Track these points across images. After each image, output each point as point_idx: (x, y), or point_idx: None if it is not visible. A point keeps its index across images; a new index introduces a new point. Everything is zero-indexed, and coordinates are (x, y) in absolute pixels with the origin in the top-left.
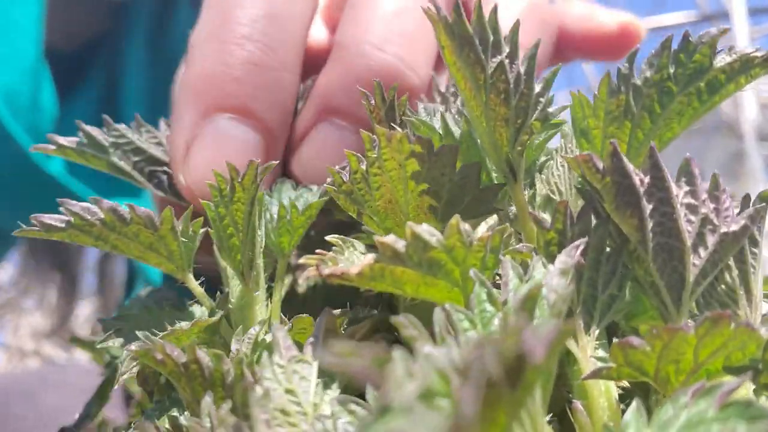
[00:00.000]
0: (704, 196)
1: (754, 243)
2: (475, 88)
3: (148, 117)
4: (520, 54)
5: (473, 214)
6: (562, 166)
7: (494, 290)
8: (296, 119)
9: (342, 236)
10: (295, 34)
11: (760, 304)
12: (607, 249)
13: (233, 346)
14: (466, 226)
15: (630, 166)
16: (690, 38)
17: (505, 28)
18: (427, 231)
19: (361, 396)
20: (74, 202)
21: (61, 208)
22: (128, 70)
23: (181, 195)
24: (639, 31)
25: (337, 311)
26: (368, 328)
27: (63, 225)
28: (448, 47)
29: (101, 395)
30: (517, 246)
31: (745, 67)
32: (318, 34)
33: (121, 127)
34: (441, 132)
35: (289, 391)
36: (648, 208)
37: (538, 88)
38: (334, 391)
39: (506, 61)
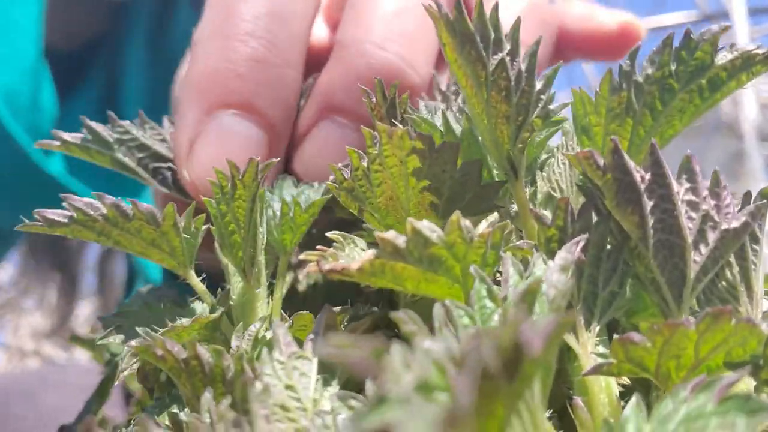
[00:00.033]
0: (705, 193)
1: (755, 240)
2: (476, 86)
3: (148, 117)
4: (521, 51)
5: (474, 211)
6: (563, 163)
7: (494, 287)
8: (298, 117)
9: (343, 233)
10: (297, 31)
11: (761, 301)
12: (608, 246)
13: (233, 343)
14: (466, 223)
15: (631, 163)
16: (691, 35)
17: (505, 27)
18: (427, 227)
19: (361, 392)
20: (77, 197)
21: (64, 204)
22: (128, 70)
23: (185, 191)
24: (639, 31)
25: (338, 308)
26: (368, 324)
27: (66, 220)
28: (449, 44)
29: (101, 393)
30: (518, 243)
31: (747, 65)
32: (319, 32)
33: (126, 123)
34: (442, 129)
35: (289, 387)
36: (649, 205)
37: (539, 85)
38: (334, 388)
39: (507, 59)
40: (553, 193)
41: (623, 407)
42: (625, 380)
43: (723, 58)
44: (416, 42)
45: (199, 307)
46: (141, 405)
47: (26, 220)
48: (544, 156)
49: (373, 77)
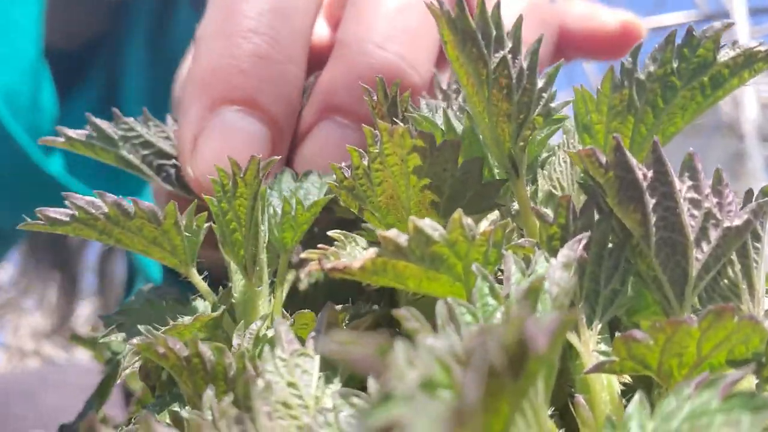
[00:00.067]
0: (707, 190)
1: (757, 238)
2: (478, 84)
3: None
4: (523, 49)
5: (475, 210)
6: (564, 161)
7: (496, 284)
8: (299, 116)
9: (344, 232)
10: (300, 27)
11: (763, 299)
12: (610, 244)
13: (235, 341)
14: (468, 221)
15: (633, 161)
16: (694, 33)
17: (506, 26)
18: (429, 225)
19: (364, 390)
20: (79, 195)
21: (66, 202)
22: (128, 70)
23: (188, 188)
24: (640, 30)
25: (339, 307)
26: (370, 322)
27: (67, 219)
28: (451, 42)
29: (102, 392)
30: (520, 241)
31: (749, 62)
32: (320, 31)
33: (130, 120)
34: (443, 128)
35: (291, 385)
36: (651, 202)
37: (540, 83)
38: (336, 385)
39: (509, 57)
40: (554, 191)
41: (625, 406)
42: (627, 379)
43: (725, 55)
44: (417, 41)
45: (201, 306)
46: (141, 404)
47: (27, 220)
48: (544, 154)
49: (373, 77)
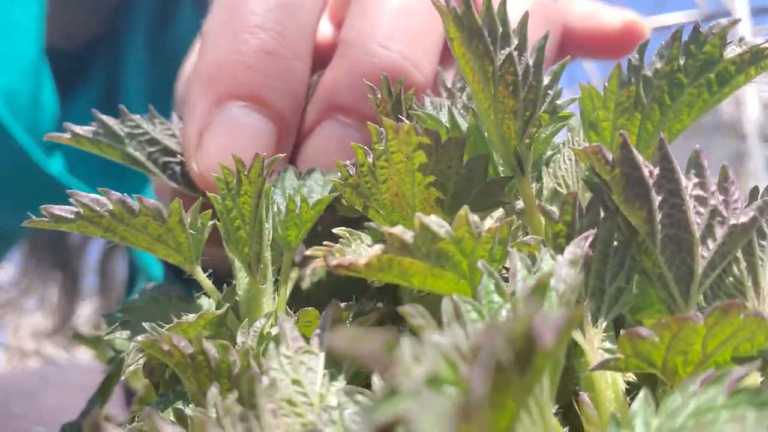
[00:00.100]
0: (713, 188)
1: (762, 235)
2: (484, 81)
3: None
4: (529, 46)
5: (480, 207)
6: (570, 159)
7: (502, 282)
8: (302, 114)
9: (349, 229)
10: (306, 24)
11: None
12: (615, 242)
13: (239, 339)
14: (474, 218)
15: (639, 158)
16: (700, 30)
17: (512, 23)
18: (435, 222)
19: (368, 387)
20: (83, 193)
21: (70, 200)
22: (129, 70)
23: (193, 186)
24: (643, 30)
25: (343, 304)
26: (375, 320)
27: (72, 216)
28: (457, 39)
29: (104, 391)
30: (525, 238)
31: (755, 59)
32: (324, 30)
33: (137, 117)
34: (448, 125)
35: (295, 382)
36: (657, 199)
37: (546, 80)
38: (341, 383)
39: (515, 53)
40: (559, 189)
41: (629, 404)
42: (631, 377)
43: (732, 52)
44: (420, 40)
45: (206, 303)
46: (144, 403)
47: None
48: (549, 152)
49: (377, 76)
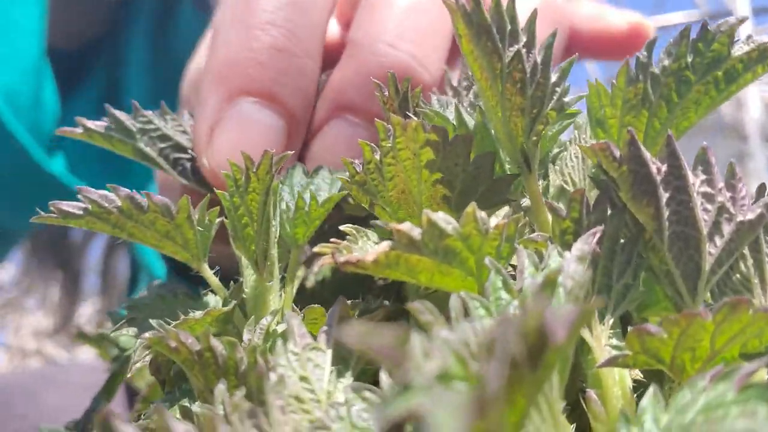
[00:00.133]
0: (721, 184)
1: None
2: (492, 78)
3: None
4: (537, 44)
5: (487, 205)
6: (576, 157)
7: (510, 279)
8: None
9: (356, 226)
10: (317, 22)
11: None
12: (622, 239)
13: (245, 336)
14: (482, 214)
15: (647, 155)
16: (708, 27)
17: (520, 22)
18: (443, 219)
19: (375, 384)
20: (92, 189)
21: (78, 196)
22: (130, 70)
23: (204, 182)
24: (649, 31)
25: (349, 302)
26: (381, 317)
27: (80, 212)
28: (466, 36)
29: (109, 389)
30: (532, 235)
31: (763, 57)
32: (331, 30)
33: (149, 113)
34: (455, 123)
35: (303, 379)
36: (665, 196)
37: (554, 77)
38: (348, 379)
39: (523, 50)
40: (565, 186)
41: (636, 402)
42: (637, 375)
43: (739, 49)
44: (428, 40)
45: (212, 300)
46: (147, 401)
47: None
48: (556, 150)
49: (385, 76)
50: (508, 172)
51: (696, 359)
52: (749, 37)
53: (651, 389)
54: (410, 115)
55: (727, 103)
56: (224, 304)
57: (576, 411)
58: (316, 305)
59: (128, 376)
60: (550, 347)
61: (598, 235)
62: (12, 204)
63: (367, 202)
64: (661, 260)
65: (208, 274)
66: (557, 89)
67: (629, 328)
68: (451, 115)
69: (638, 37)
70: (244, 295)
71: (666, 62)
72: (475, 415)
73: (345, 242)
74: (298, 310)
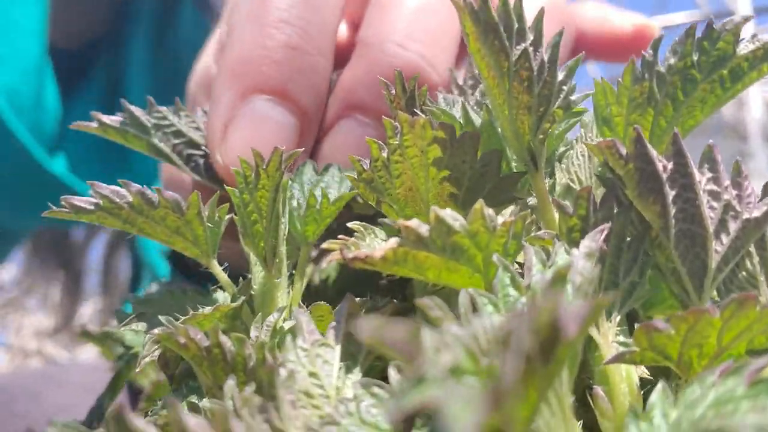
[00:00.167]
0: (726, 182)
1: None
2: (499, 76)
3: None
4: (544, 42)
5: (494, 203)
6: (582, 155)
7: (517, 275)
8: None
9: (364, 223)
10: (329, 21)
11: None
12: (629, 237)
13: (252, 333)
14: (489, 211)
15: (653, 152)
16: (714, 26)
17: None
18: (450, 215)
19: (384, 380)
20: (103, 184)
21: (90, 191)
22: (130, 70)
23: (216, 179)
24: (653, 33)
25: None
26: (390, 313)
27: (92, 207)
28: (473, 34)
29: (114, 388)
30: (539, 233)
31: None
32: (340, 30)
33: (163, 109)
34: (461, 121)
35: (312, 374)
36: (671, 194)
37: (560, 75)
38: (356, 375)
39: (530, 49)
40: (572, 184)
41: (643, 399)
42: (644, 372)
43: (744, 48)
44: (437, 41)
45: (221, 297)
46: (152, 400)
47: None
48: (562, 148)
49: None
50: (515, 171)
51: (703, 356)
52: (754, 35)
53: (660, 385)
54: (418, 112)
55: (728, 102)
56: (233, 301)
57: (583, 407)
58: (322, 303)
59: (137, 371)
60: (562, 342)
61: (605, 232)
62: (13, 204)
63: (375, 200)
64: (667, 258)
65: (217, 270)
66: (564, 87)
67: (636, 325)
68: (457, 113)
69: (643, 39)
70: (252, 292)
71: (672, 61)
72: (491, 408)
73: (352, 239)
74: (304, 307)
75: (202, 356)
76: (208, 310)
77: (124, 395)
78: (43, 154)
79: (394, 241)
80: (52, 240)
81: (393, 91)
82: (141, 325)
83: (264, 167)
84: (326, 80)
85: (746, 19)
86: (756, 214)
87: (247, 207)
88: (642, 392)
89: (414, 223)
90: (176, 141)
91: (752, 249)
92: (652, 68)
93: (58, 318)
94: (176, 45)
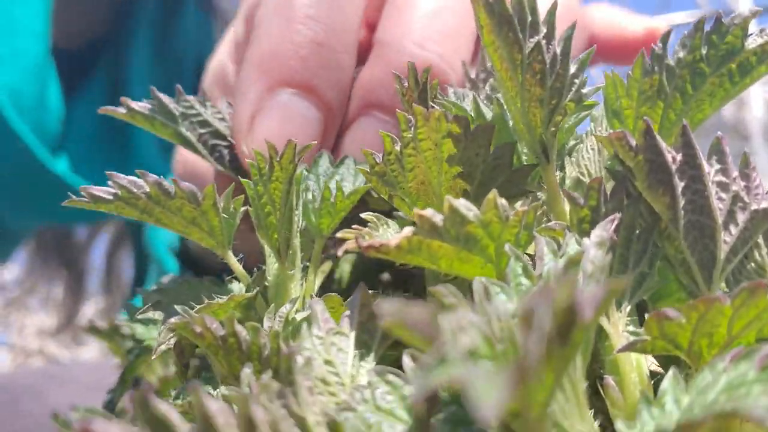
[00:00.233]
0: (735, 174)
1: None
2: (512, 69)
3: None
4: (556, 36)
5: (505, 196)
6: (592, 149)
7: (530, 265)
8: None
9: (377, 214)
10: (353, 18)
11: None
12: (638, 228)
13: (265, 323)
14: (502, 201)
15: (663, 144)
16: (722, 20)
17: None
18: (464, 205)
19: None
20: (121, 175)
21: (108, 182)
22: (132, 70)
23: (239, 170)
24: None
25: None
26: None
27: (110, 197)
28: (487, 26)
29: (123, 382)
30: (550, 224)
31: None
32: None
33: (191, 98)
34: (473, 114)
35: (327, 362)
36: (680, 185)
37: (573, 68)
38: (370, 363)
39: (543, 42)
40: (582, 178)
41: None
42: (652, 364)
43: (753, 42)
44: (454, 41)
45: (236, 287)
46: (160, 395)
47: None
48: (572, 142)
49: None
50: (526, 164)
51: (713, 345)
52: (762, 29)
53: (671, 372)
54: (433, 105)
55: (735, 97)
56: (247, 291)
57: (594, 397)
58: (334, 294)
59: (153, 357)
60: (578, 325)
61: (616, 222)
62: (16, 203)
63: (387, 194)
64: (676, 249)
65: (233, 261)
66: (576, 80)
67: (646, 315)
68: (468, 106)
69: (655, 41)
70: (266, 283)
71: (681, 54)
72: (515, 386)
73: (366, 229)
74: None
75: (218, 345)
76: (222, 299)
77: (126, 396)
78: (46, 153)
79: (408, 230)
80: (55, 239)
81: (405, 85)
82: (157, 314)
83: (278, 159)
84: (350, 77)
85: (755, 14)
86: (764, 205)
87: (261, 199)
88: (655, 380)
89: (428, 212)
90: (202, 131)
91: (761, 240)
92: (661, 61)
93: (60, 317)
94: (178, 45)
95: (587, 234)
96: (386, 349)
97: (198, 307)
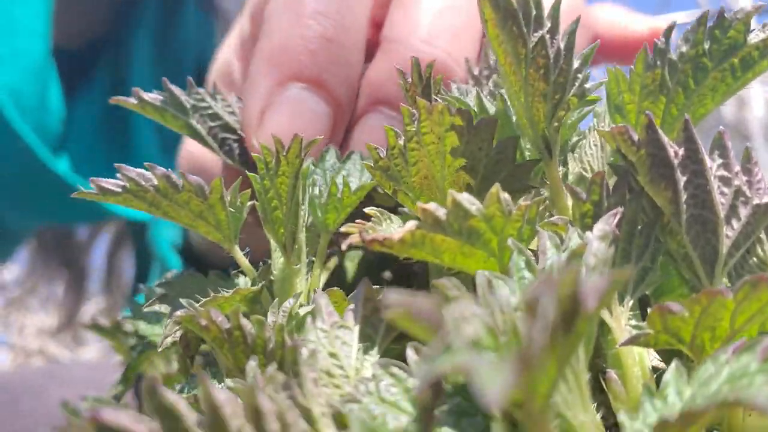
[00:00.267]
0: (737, 168)
1: None
2: (516, 63)
3: None
4: (560, 31)
5: (508, 191)
6: (595, 145)
7: (532, 259)
8: None
9: (380, 209)
10: (361, 15)
11: None
12: (640, 223)
13: (269, 318)
14: (505, 195)
15: (665, 138)
16: (725, 15)
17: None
18: (467, 199)
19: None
20: (130, 167)
21: (117, 174)
22: (133, 70)
23: (248, 164)
24: None
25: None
26: None
27: (119, 190)
28: (492, 20)
29: (126, 378)
30: (552, 218)
31: None
32: None
33: (202, 91)
34: (476, 109)
35: (332, 355)
36: (682, 180)
37: (576, 64)
38: (374, 356)
39: (547, 36)
40: (584, 173)
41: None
42: (654, 359)
43: (755, 37)
44: (461, 38)
45: (242, 281)
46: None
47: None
48: (575, 138)
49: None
50: (528, 159)
51: (716, 338)
52: (765, 25)
53: (673, 364)
54: (438, 99)
55: (729, 102)
56: (253, 285)
57: (596, 392)
58: (336, 288)
59: (159, 350)
60: (581, 314)
61: (618, 216)
62: (17, 203)
63: (390, 188)
64: (679, 243)
65: (239, 255)
66: (579, 75)
67: (649, 309)
68: (471, 102)
69: None
70: (272, 277)
71: (683, 49)
72: (519, 373)
73: (370, 223)
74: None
75: (223, 338)
76: (228, 293)
77: (128, 395)
78: (47, 153)
79: (412, 224)
80: (56, 239)
81: (409, 80)
82: (163, 308)
83: (284, 154)
84: (358, 73)
85: (757, 9)
86: (766, 199)
87: (268, 193)
88: (657, 374)
89: (432, 206)
90: (212, 124)
91: (763, 235)
92: (664, 56)
93: (61, 317)
94: (178, 45)
95: (590, 229)
96: (390, 343)
97: (204, 300)
